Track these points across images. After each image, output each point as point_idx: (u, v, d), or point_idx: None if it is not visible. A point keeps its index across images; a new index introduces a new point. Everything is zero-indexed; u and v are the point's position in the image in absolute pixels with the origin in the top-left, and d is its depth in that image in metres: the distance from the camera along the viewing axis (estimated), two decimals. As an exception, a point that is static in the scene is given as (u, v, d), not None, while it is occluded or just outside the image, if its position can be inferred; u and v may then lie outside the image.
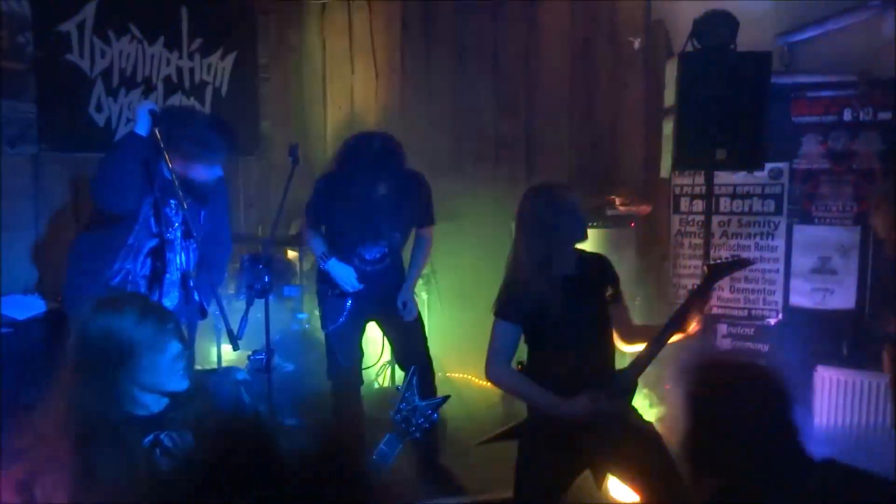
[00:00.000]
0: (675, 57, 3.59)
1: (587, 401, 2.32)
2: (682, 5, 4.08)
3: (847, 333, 3.74)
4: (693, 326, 2.42)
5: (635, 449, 2.34)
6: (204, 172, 2.77)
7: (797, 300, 3.94)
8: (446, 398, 2.08)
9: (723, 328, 4.06)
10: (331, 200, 3.27)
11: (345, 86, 5.50)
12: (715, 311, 4.00)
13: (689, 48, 3.47)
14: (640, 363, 2.39)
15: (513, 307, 2.46)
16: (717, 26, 3.37)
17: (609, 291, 2.54)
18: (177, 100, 4.58)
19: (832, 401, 3.68)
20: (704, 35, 3.40)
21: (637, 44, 4.28)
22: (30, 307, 3.40)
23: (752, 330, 4.03)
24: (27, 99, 3.78)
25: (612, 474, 2.45)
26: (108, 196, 2.59)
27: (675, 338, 2.44)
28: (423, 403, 1.94)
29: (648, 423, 2.54)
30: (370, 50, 5.30)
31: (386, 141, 3.18)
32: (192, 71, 4.67)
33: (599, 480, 2.44)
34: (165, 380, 1.70)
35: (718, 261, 2.49)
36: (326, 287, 3.39)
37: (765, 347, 3.98)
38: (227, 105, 4.94)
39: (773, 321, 3.99)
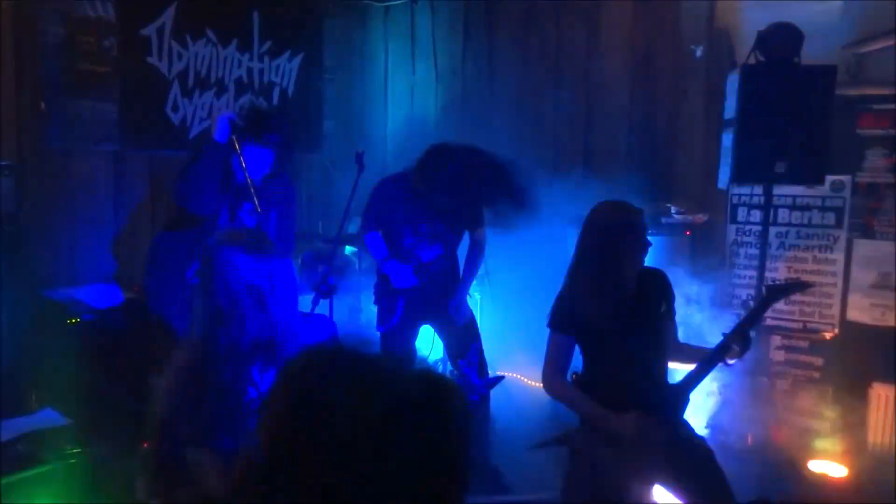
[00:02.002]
0: (737, 67, 3.58)
1: (635, 418, 2.37)
2: (747, 14, 4.06)
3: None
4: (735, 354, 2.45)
5: (686, 463, 2.39)
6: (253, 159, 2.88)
7: (855, 315, 3.90)
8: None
9: (776, 340, 4.05)
10: (390, 203, 3.35)
11: (406, 87, 5.62)
12: (769, 322, 3.99)
13: (752, 60, 3.47)
14: (692, 380, 2.44)
15: (567, 320, 2.51)
16: (782, 39, 3.35)
17: (664, 307, 2.58)
18: (247, 100, 4.77)
19: (888, 418, 3.64)
20: (768, 48, 3.39)
21: (699, 52, 4.26)
22: (109, 296, 3.62)
23: (807, 343, 4.01)
24: (109, 99, 4.01)
25: (662, 486, 2.50)
26: (191, 199, 2.76)
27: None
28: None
29: (700, 438, 2.58)
30: (431, 53, 5.41)
31: (454, 152, 3.19)
32: (261, 72, 4.85)
33: (646, 490, 2.49)
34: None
35: (776, 281, 2.50)
36: (382, 287, 3.48)
37: (819, 361, 3.95)
38: (292, 105, 5.12)
39: (828, 335, 3.96)
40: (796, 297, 4.01)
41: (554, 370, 2.53)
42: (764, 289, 2.51)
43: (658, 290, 2.60)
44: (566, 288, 2.57)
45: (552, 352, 2.54)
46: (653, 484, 2.47)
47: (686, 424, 2.57)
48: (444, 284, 3.48)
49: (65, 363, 3.37)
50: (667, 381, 2.56)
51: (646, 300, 2.54)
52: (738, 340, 2.42)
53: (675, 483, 2.42)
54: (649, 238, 2.55)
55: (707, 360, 2.44)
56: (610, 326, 2.45)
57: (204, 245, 1.91)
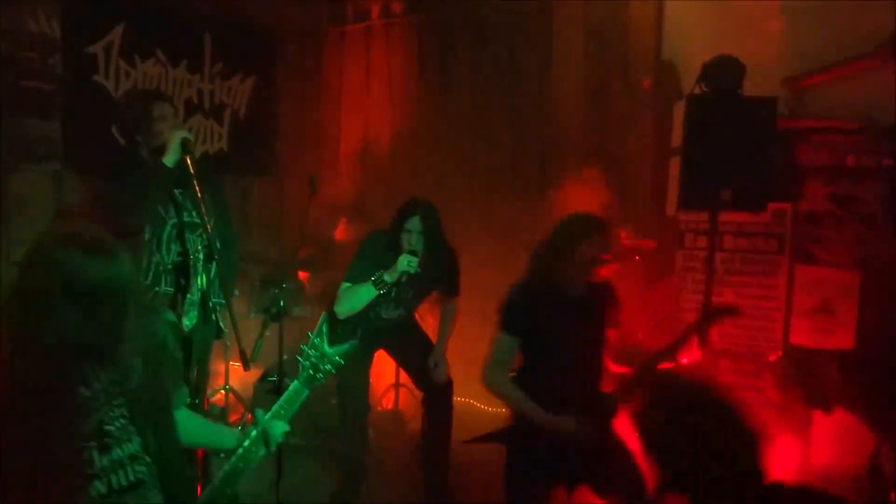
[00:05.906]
0: (683, 97, 3.68)
1: (573, 422, 2.48)
2: (693, 47, 4.19)
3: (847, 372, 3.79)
4: (685, 357, 2.57)
5: (609, 465, 2.48)
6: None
7: (798, 338, 4.00)
8: (354, 343, 2.06)
9: (724, 363, 4.12)
10: (372, 257, 3.31)
11: (360, 112, 5.62)
12: (718, 346, 4.07)
13: (697, 91, 3.57)
14: (627, 388, 2.52)
15: (516, 320, 2.62)
16: (725, 71, 3.46)
17: (610, 316, 2.66)
18: (196, 121, 4.70)
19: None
20: (712, 79, 3.49)
21: (648, 83, 4.38)
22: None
23: (754, 366, 4.10)
24: (53, 118, 3.91)
25: (586, 485, 2.60)
26: (135, 220, 2.69)
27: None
28: (332, 350, 1.95)
29: (622, 441, 2.64)
30: (387, 78, 5.43)
31: (428, 213, 3.24)
32: (212, 93, 4.80)
33: (573, 490, 2.59)
34: None
35: (712, 306, 2.63)
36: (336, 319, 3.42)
37: (766, 383, 4.04)
38: (244, 127, 5.07)
39: (772, 357, 4.06)
40: (743, 321, 4.12)
41: (495, 367, 2.64)
42: (703, 310, 2.66)
43: (603, 301, 2.69)
44: (517, 289, 2.65)
45: (498, 351, 2.65)
46: (578, 483, 2.57)
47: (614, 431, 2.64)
48: (400, 325, 3.47)
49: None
50: (601, 388, 2.67)
51: (591, 309, 2.62)
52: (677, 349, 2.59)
53: (597, 483, 2.53)
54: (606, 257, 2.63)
55: (643, 367, 2.54)
56: (553, 329, 2.50)
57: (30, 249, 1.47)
